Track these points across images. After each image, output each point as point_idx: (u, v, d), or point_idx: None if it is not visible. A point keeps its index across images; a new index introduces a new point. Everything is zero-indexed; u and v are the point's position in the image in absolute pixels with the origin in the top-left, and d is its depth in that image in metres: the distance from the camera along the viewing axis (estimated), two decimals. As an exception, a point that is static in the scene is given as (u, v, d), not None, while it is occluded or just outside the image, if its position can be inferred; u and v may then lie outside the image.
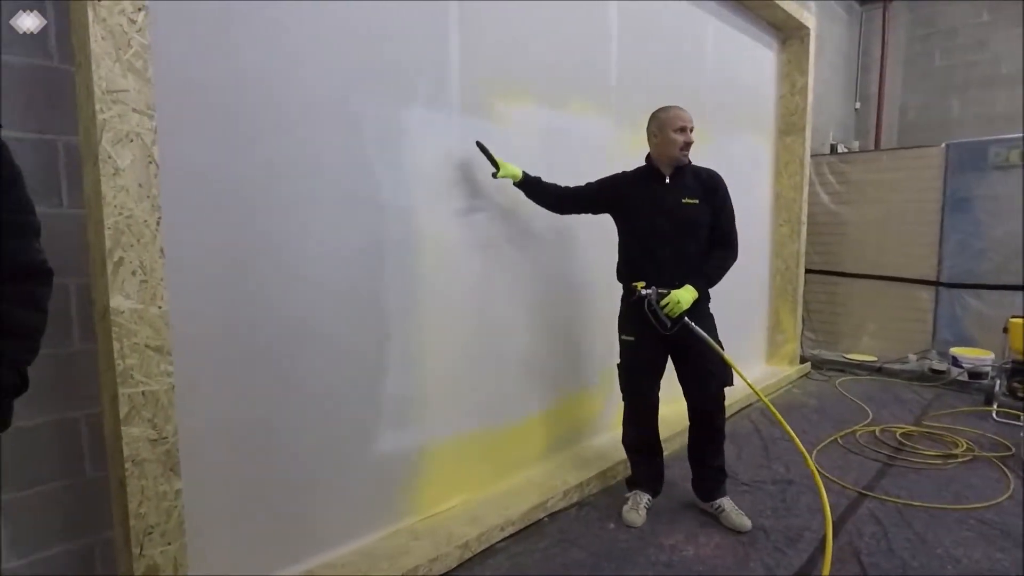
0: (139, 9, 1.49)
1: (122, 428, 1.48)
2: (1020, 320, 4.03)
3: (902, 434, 3.65)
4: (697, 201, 2.48)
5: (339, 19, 2.04)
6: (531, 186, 2.61)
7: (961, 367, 4.67)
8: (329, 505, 2.14)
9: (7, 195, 1.09)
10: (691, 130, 2.46)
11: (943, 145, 5.03)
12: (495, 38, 2.58)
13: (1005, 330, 4.20)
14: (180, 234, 1.69)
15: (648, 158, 2.57)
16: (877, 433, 3.69)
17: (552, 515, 2.64)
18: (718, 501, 2.61)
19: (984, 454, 3.33)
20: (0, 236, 1.06)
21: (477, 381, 2.63)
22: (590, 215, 2.77)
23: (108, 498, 1.60)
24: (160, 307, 1.56)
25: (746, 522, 2.53)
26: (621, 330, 2.62)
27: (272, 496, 1.97)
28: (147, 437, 1.54)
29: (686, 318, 2.42)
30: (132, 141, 1.50)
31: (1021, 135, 4.68)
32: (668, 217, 2.46)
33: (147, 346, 1.54)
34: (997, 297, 4.81)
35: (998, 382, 4.13)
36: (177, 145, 1.67)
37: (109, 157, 1.46)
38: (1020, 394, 3.97)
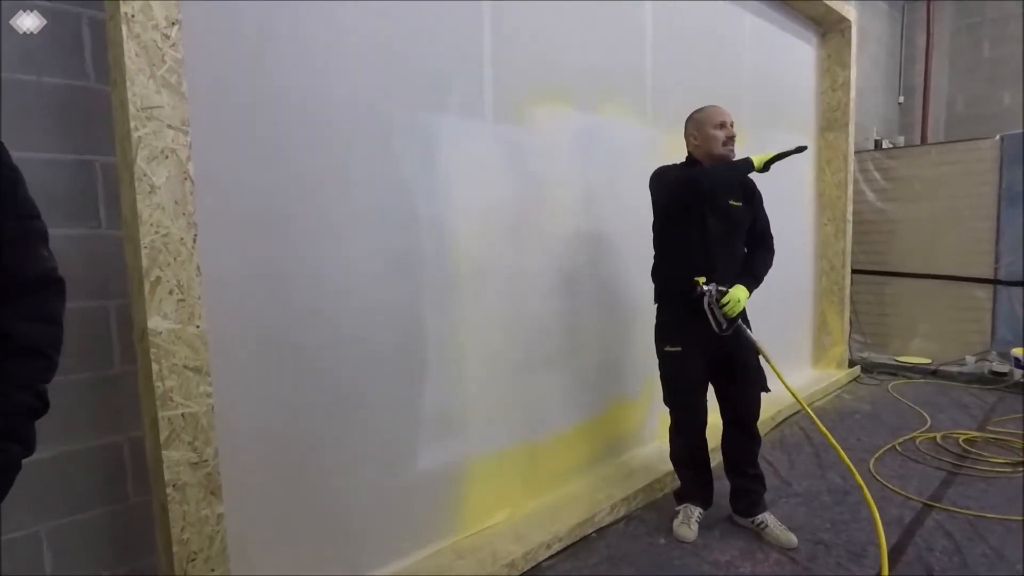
0: (172, 24, 1.47)
1: (162, 452, 1.45)
2: (1090, 317, 3.80)
3: (965, 440, 3.45)
4: (741, 204, 2.43)
5: (370, 29, 2.00)
6: None
7: (1024, 368, 4.42)
8: (372, 524, 2.08)
9: (7, 199, 0.98)
10: (732, 125, 2.38)
11: (997, 137, 4.80)
12: (528, 43, 2.52)
13: (1072, 328, 3.98)
14: (216, 251, 1.66)
15: (689, 158, 2.47)
16: (938, 440, 3.50)
17: (599, 530, 2.54)
18: (760, 516, 2.48)
19: (1057, 461, 3.12)
20: (2, 245, 0.96)
21: (517, 393, 2.56)
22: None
23: (152, 523, 1.58)
24: (198, 326, 1.53)
25: (792, 538, 2.40)
26: (664, 340, 2.49)
27: (314, 516, 1.93)
28: (188, 460, 1.50)
29: (740, 320, 2.34)
30: (167, 158, 1.47)
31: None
32: (721, 218, 2.37)
33: (186, 367, 1.51)
34: (1060, 294, 4.56)
35: (1067, 384, 3.89)
36: (212, 161, 1.65)
37: (145, 175, 1.43)
38: (1092, 396, 3.73)
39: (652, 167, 2.60)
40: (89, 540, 1.53)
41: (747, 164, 2.28)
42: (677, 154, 2.53)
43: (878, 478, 2.98)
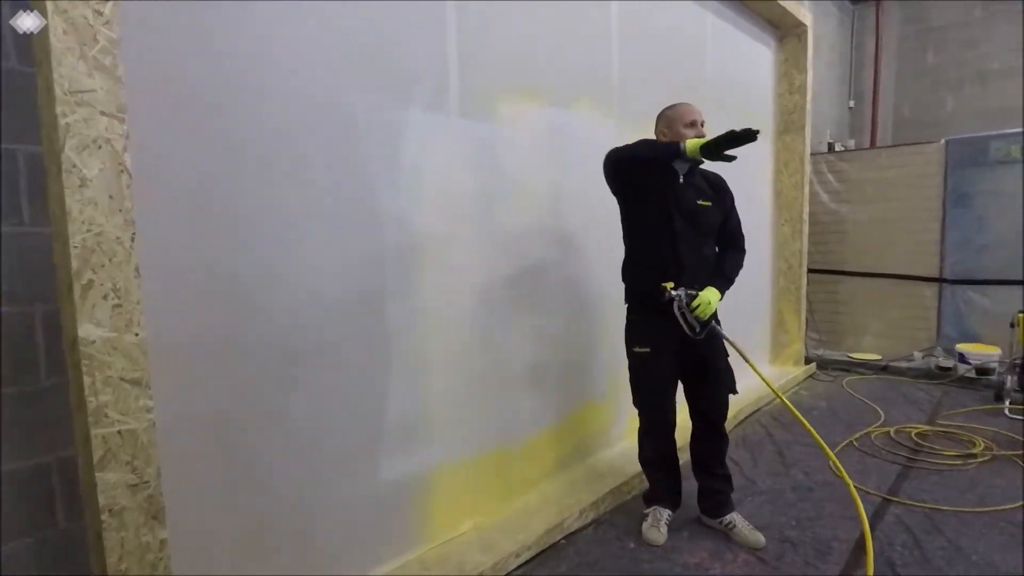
0: None
1: (96, 474, 1.31)
2: (1030, 314, 3.96)
3: (917, 434, 3.55)
4: (710, 204, 2.40)
5: (331, 17, 1.88)
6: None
7: (968, 363, 4.59)
8: (333, 539, 1.96)
9: None
10: (702, 124, 2.34)
11: (943, 141, 4.97)
12: (494, 37, 2.43)
13: (1012, 325, 4.14)
14: (158, 251, 1.52)
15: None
16: (892, 434, 3.58)
17: (569, 536, 2.48)
18: (728, 517, 2.47)
19: (1003, 452, 3.23)
20: None
21: (483, 398, 2.48)
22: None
23: (85, 552, 1.43)
24: (137, 334, 1.39)
25: (760, 538, 2.39)
26: (633, 341, 2.45)
27: (270, 536, 1.80)
28: (126, 483, 1.36)
29: (713, 322, 2.31)
30: (100, 148, 1.33)
31: (1021, 130, 4.63)
32: (687, 218, 2.33)
33: (123, 379, 1.36)
34: (1001, 292, 4.76)
35: (1008, 378, 4.04)
36: (153, 152, 1.51)
37: (74, 167, 1.29)
38: (1032, 390, 3.89)
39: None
40: (13, 572, 1.37)
41: (675, 147, 2.14)
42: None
43: (840, 474, 3.01)
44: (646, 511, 2.55)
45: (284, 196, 1.80)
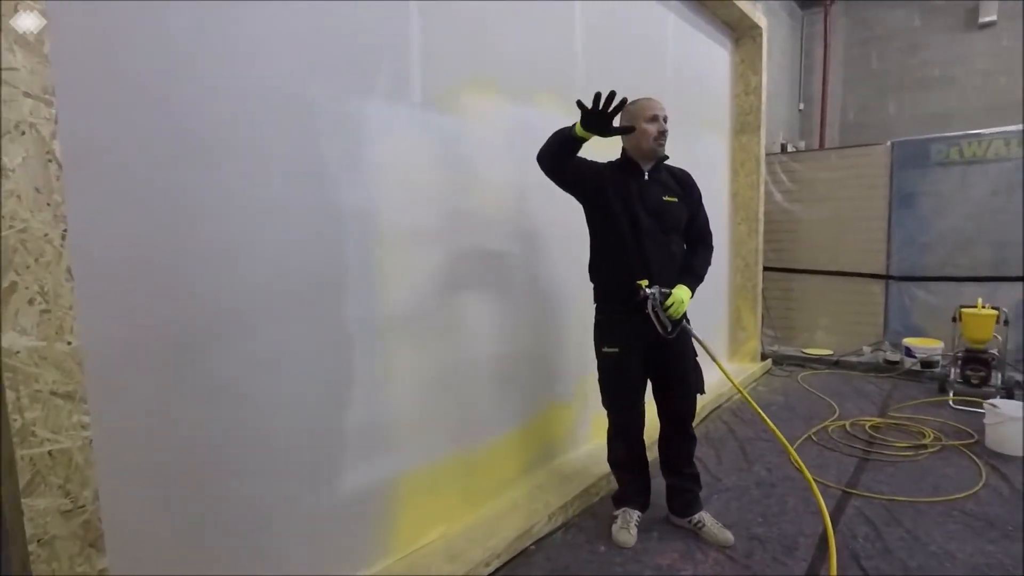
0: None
1: (23, 500, 1.17)
2: (970, 310, 4.13)
3: (871, 427, 3.64)
4: (676, 200, 2.36)
5: (287, 2, 1.76)
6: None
7: (914, 357, 4.75)
8: (293, 555, 1.84)
9: None
10: (664, 119, 2.30)
11: (888, 143, 5.14)
12: (459, 28, 2.34)
13: (954, 319, 4.30)
14: (94, 250, 1.38)
15: (624, 153, 2.38)
16: (847, 427, 3.66)
17: (538, 542, 2.41)
18: (696, 516, 2.46)
19: (951, 443, 3.34)
20: None
21: (448, 401, 2.38)
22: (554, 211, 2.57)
23: (9, 587, 1.28)
24: (69, 343, 1.25)
25: (728, 536, 2.38)
26: (602, 341, 2.40)
27: (223, 556, 1.67)
28: (58, 508, 1.22)
29: (685, 321, 2.28)
30: (24, 134, 1.18)
31: (961, 134, 4.83)
32: (653, 215, 2.29)
33: (53, 393, 1.22)
34: (942, 288, 4.95)
35: (952, 370, 4.20)
36: (85, 139, 1.36)
37: (-7, 154, 1.14)
38: (974, 381, 4.05)
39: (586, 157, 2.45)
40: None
41: (567, 131, 2.08)
42: (606, 147, 2.42)
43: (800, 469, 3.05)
44: (615, 513, 2.51)
45: (235, 190, 1.67)
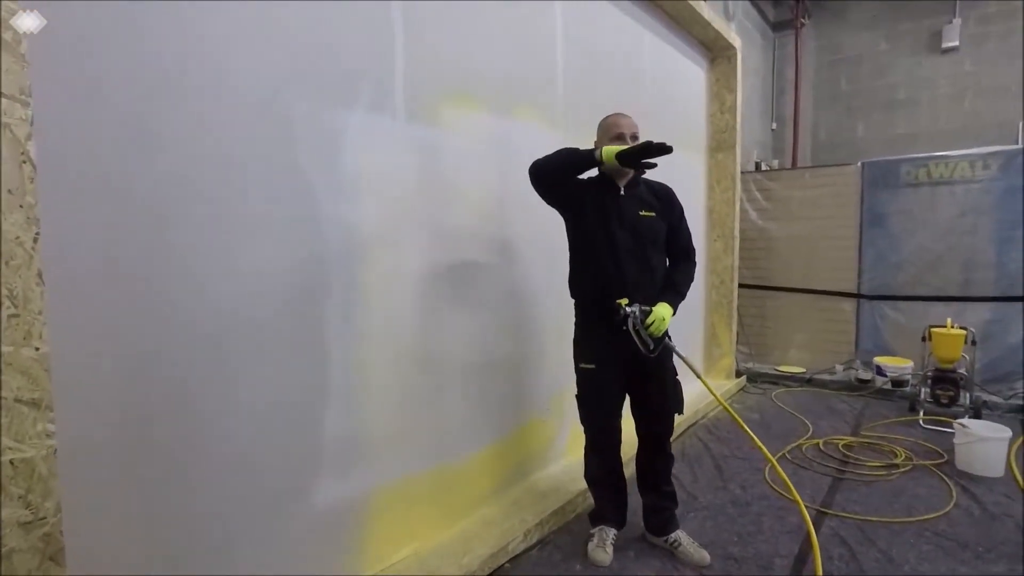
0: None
1: (-19, 512, 1.12)
2: (940, 329, 4.21)
3: (844, 446, 3.67)
4: (654, 214, 2.37)
5: (268, 12, 1.76)
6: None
7: (885, 376, 4.83)
8: (259, 572, 1.79)
9: None
10: (634, 137, 2.30)
11: (859, 163, 5.26)
12: (442, 41, 2.36)
13: (924, 339, 4.39)
14: (65, 253, 1.35)
15: (599, 168, 2.33)
16: (821, 446, 3.70)
17: (513, 559, 2.38)
18: (673, 535, 2.45)
19: (922, 462, 3.39)
20: None
21: (423, 415, 2.36)
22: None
23: (-37, 604, 1.22)
24: (38, 348, 1.21)
25: (705, 555, 2.38)
26: (580, 357, 2.40)
27: (189, 570, 1.62)
28: (18, 520, 1.17)
29: (667, 338, 2.28)
30: (-2, 134, 1.15)
31: (928, 155, 4.97)
32: (629, 230, 2.30)
33: (18, 400, 1.18)
34: (912, 308, 5.05)
35: (922, 390, 4.27)
36: (61, 141, 1.34)
37: (-36, 154, 1.11)
38: (943, 401, 4.12)
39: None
40: None
41: (591, 154, 2.16)
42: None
43: (775, 487, 3.07)
44: (592, 530, 2.50)
45: (211, 197, 1.65)
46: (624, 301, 2.21)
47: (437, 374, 2.41)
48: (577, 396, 2.44)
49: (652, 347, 2.24)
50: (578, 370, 2.40)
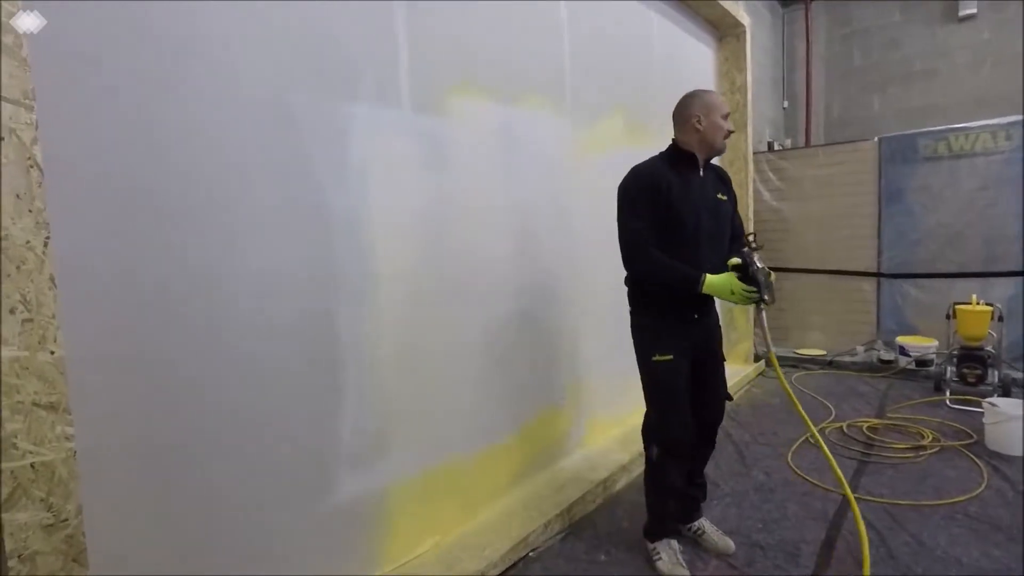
0: (12, -21, 1.16)
1: (3, 515, 1.12)
2: (966, 307, 4.12)
3: (869, 428, 3.62)
4: (725, 198, 2.26)
5: (272, 6, 1.74)
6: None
7: (909, 356, 4.75)
8: (281, 569, 1.80)
9: None
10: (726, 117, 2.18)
11: (875, 139, 5.15)
12: (445, 30, 2.33)
13: (948, 316, 4.29)
14: (77, 257, 1.35)
15: (677, 147, 2.21)
16: (844, 429, 3.65)
17: (534, 551, 2.37)
18: (697, 523, 2.41)
19: (950, 443, 3.32)
20: None
21: (442, 407, 2.35)
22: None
23: (-10, 607, 1.23)
24: (52, 352, 1.21)
25: (729, 543, 2.34)
26: (653, 349, 2.17)
27: (212, 568, 1.63)
28: (40, 523, 1.18)
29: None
30: (3, 140, 1.15)
31: (948, 128, 4.84)
32: (711, 214, 2.17)
33: (36, 404, 1.18)
34: (934, 285, 4.94)
35: (948, 369, 4.19)
36: (67, 143, 1.34)
37: (-29, 160, 1.11)
38: (970, 380, 4.03)
39: (573, 160, 2.43)
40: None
41: (693, 284, 2.05)
42: (595, 148, 2.39)
43: (798, 472, 3.03)
44: (653, 544, 2.30)
45: (220, 196, 1.64)
46: (736, 260, 2.05)
47: (451, 366, 2.40)
48: (650, 395, 2.24)
49: (768, 297, 2.06)
50: (650, 364, 2.18)
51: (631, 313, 2.29)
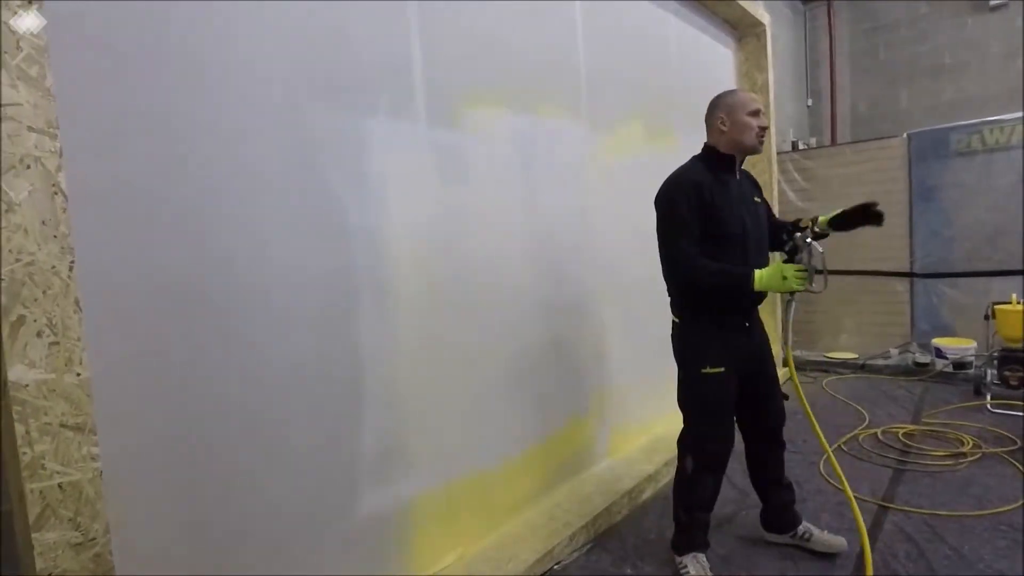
0: (31, 1, 1.19)
1: (33, 534, 1.15)
2: (1006, 306, 3.98)
3: (904, 435, 3.50)
4: (760, 201, 2.25)
5: (286, 23, 1.77)
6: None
7: (946, 358, 4.60)
8: (307, 585, 1.81)
9: None
10: (763, 115, 2.13)
11: (904, 135, 5.02)
12: (459, 41, 2.34)
13: (987, 316, 4.15)
14: (101, 280, 1.37)
15: (711, 150, 2.18)
16: (879, 436, 3.54)
17: (559, 564, 2.35)
18: (801, 527, 2.36)
19: (992, 450, 3.19)
20: None
21: (463, 419, 2.35)
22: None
23: (22, 624, 1.26)
24: (79, 374, 1.24)
25: (842, 541, 2.31)
26: (703, 360, 2.11)
27: (237, 585, 1.64)
28: (68, 541, 1.20)
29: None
30: (30, 168, 1.18)
31: (981, 121, 4.69)
32: (753, 218, 2.14)
33: (63, 425, 1.21)
34: (971, 284, 4.79)
35: (988, 371, 4.05)
36: (90, 170, 1.37)
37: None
38: (1012, 382, 3.89)
39: (593, 167, 2.41)
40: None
41: (745, 281, 2.01)
42: (614, 153, 2.37)
43: (830, 481, 2.95)
44: (681, 559, 2.24)
45: (241, 213, 1.66)
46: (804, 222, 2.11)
47: (476, 377, 2.39)
48: (696, 408, 2.19)
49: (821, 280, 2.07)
50: (698, 376, 2.12)
51: (677, 324, 2.24)
